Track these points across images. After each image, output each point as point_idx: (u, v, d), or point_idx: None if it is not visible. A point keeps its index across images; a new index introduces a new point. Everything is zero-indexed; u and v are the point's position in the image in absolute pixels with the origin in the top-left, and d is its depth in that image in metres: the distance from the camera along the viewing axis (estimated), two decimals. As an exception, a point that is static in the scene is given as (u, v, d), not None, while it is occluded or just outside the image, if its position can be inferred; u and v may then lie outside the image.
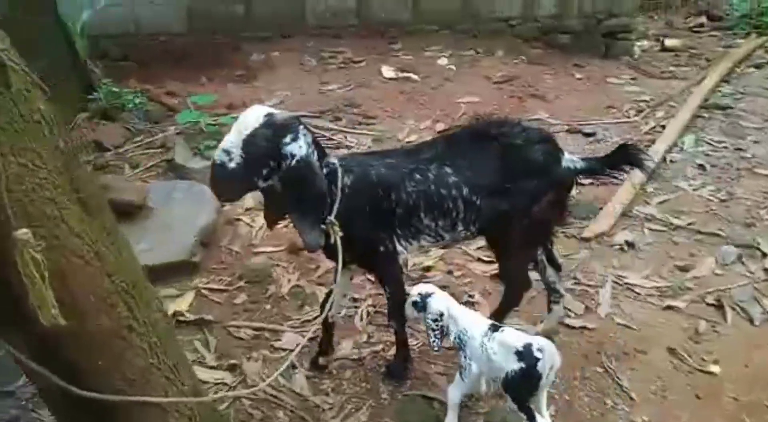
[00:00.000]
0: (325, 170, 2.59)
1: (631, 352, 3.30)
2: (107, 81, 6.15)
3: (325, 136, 5.64)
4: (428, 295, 2.70)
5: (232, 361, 3.24)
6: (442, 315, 2.66)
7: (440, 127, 5.92)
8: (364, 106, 6.32)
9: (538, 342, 2.50)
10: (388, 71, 6.93)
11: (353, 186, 2.67)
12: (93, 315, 1.70)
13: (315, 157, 2.53)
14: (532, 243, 3.09)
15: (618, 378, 3.11)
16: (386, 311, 3.09)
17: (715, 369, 3.18)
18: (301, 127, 2.51)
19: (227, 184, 2.47)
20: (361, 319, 3.53)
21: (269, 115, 2.42)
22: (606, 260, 4.05)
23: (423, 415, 2.90)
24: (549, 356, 2.47)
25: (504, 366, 2.50)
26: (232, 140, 2.38)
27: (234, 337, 3.42)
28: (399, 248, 2.87)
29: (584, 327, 3.44)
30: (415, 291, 2.74)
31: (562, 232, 4.22)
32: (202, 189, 4.36)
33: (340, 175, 2.64)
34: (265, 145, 2.39)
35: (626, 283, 3.83)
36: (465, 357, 2.64)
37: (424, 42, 7.63)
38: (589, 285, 3.79)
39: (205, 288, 3.78)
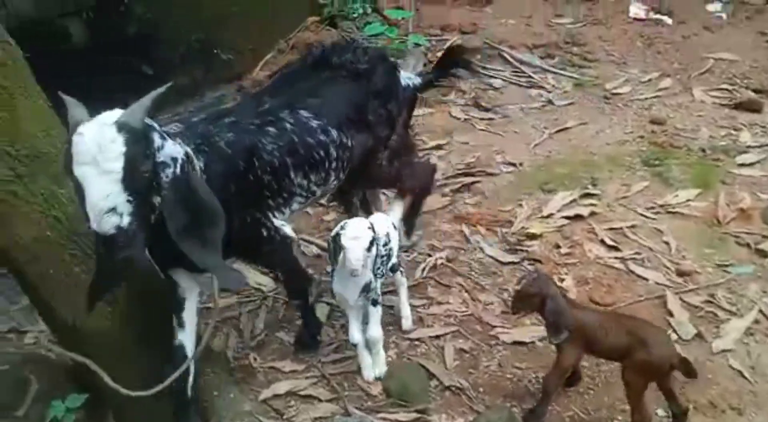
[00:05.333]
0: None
1: (723, 407, 2.46)
2: (341, -12, 6.29)
3: (525, 73, 5.11)
4: (371, 225, 2.40)
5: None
6: (388, 235, 2.56)
7: (667, 82, 4.93)
8: (589, 46, 5.53)
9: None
10: (637, 9, 5.90)
11: (209, 168, 2.07)
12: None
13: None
14: (392, 178, 2.92)
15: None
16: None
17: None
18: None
19: (135, 248, 1.73)
20: (423, 272, 3.20)
21: (119, 124, 1.70)
22: (769, 284, 3.02)
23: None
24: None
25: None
26: (106, 186, 1.65)
27: (299, 251, 3.38)
28: (277, 223, 2.41)
29: (674, 357, 2.64)
30: (365, 231, 2.34)
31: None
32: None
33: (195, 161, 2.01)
34: (144, 164, 1.73)
35: (779, 322, 2.83)
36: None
37: (705, -20, 6.27)
38: (724, 309, 2.88)
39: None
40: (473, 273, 3.17)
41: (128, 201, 1.68)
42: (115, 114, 1.73)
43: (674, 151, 4.06)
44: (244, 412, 2.41)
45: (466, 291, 3.06)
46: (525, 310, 2.38)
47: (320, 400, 2.51)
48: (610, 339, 2.23)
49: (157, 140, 1.80)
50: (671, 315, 2.83)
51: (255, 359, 2.72)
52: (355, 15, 6.04)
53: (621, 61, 5.33)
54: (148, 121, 1.79)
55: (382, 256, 2.45)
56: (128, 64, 4.68)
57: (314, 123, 2.41)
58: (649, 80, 5.01)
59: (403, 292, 2.86)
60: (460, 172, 3.95)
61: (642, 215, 3.49)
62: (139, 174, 1.71)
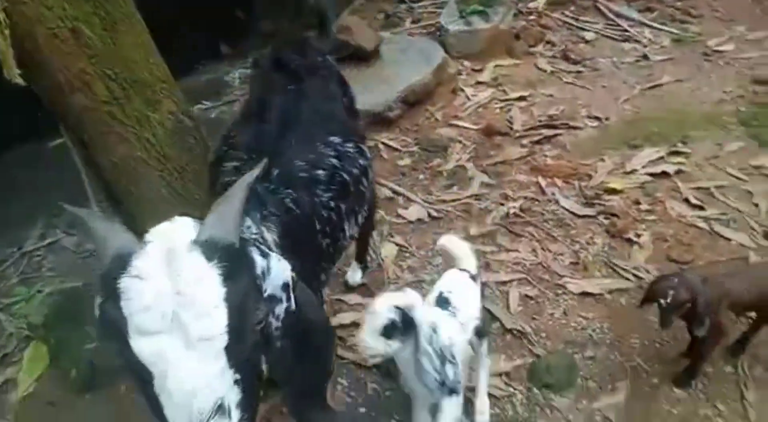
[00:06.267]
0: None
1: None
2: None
3: (620, 26, 4.88)
4: (410, 307, 1.70)
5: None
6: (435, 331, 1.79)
7: (776, 41, 4.58)
8: (693, 1, 5.19)
9: None
10: (753, -36, 5.47)
11: (287, 241, 1.51)
12: (68, 89, 1.91)
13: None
14: None
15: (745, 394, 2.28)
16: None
17: None
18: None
19: None
20: (494, 220, 3.19)
21: (205, 245, 1.04)
22: None
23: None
24: None
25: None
26: (203, 368, 0.99)
27: (372, 193, 3.44)
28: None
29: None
30: (384, 308, 1.67)
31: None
32: (433, 48, 4.30)
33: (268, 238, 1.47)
34: (257, 309, 1.10)
35: None
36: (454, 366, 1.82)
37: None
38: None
39: (384, 143, 3.82)
40: (546, 223, 3.12)
41: (236, 382, 1.01)
42: (186, 226, 1.09)
43: (775, 111, 3.80)
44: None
45: (537, 240, 3.03)
46: (675, 318, 2.14)
47: (383, 332, 2.58)
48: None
49: (259, 261, 1.14)
50: (753, 277, 2.70)
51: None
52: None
53: (727, 18, 4.97)
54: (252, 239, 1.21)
55: (439, 355, 1.75)
56: (222, 6, 4.81)
57: (350, 147, 1.92)
58: (756, 39, 4.67)
59: (484, 376, 2.20)
60: (541, 123, 3.86)
61: (732, 176, 3.31)
62: (250, 330, 1.06)
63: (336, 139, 1.89)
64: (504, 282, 2.81)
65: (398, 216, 3.27)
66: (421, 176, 3.55)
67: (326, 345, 1.32)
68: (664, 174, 3.35)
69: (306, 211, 1.66)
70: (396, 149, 3.77)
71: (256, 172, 1.17)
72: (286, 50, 2.14)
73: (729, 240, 2.91)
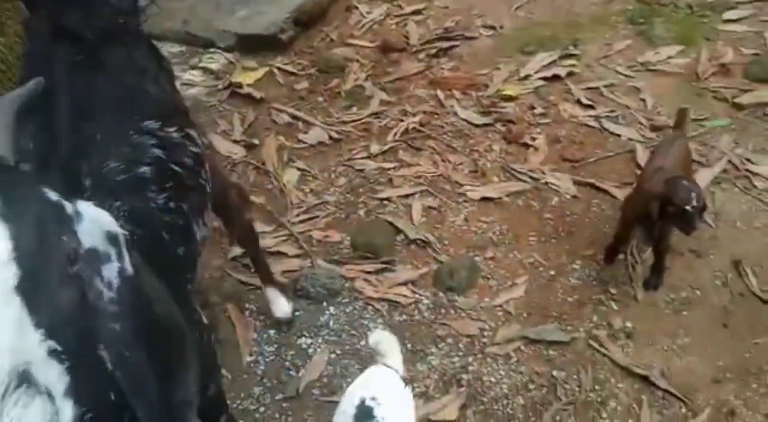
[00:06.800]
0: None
1: (682, 251, 2.50)
2: None
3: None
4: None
5: (255, 141, 3.21)
6: None
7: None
8: None
9: None
10: None
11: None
12: None
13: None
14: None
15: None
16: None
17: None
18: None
19: None
20: (395, 136, 3.18)
21: None
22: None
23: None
24: None
25: None
26: None
27: (270, 119, 3.36)
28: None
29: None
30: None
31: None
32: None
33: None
34: (61, 244, 0.79)
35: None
36: None
37: None
38: (693, 160, 2.84)
39: (279, 68, 3.70)
40: (445, 136, 3.14)
41: (54, 354, 0.73)
42: None
43: (660, 8, 3.89)
44: (212, 267, 2.48)
45: (437, 153, 3.05)
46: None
47: (288, 255, 2.58)
48: None
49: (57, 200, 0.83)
50: (640, 168, 2.83)
51: (224, 221, 2.76)
52: None
53: None
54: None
55: None
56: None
57: (173, 132, 1.51)
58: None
59: None
60: (437, 36, 3.82)
61: (621, 74, 3.40)
62: (58, 269, 0.77)
63: (153, 124, 1.46)
64: (407, 196, 2.83)
65: (299, 141, 3.20)
66: (320, 99, 3.48)
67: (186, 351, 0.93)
68: (557, 77, 3.41)
69: (148, 223, 1.30)
70: (292, 73, 3.66)
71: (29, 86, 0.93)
72: (69, 9, 1.58)
73: (618, 135, 3.02)
